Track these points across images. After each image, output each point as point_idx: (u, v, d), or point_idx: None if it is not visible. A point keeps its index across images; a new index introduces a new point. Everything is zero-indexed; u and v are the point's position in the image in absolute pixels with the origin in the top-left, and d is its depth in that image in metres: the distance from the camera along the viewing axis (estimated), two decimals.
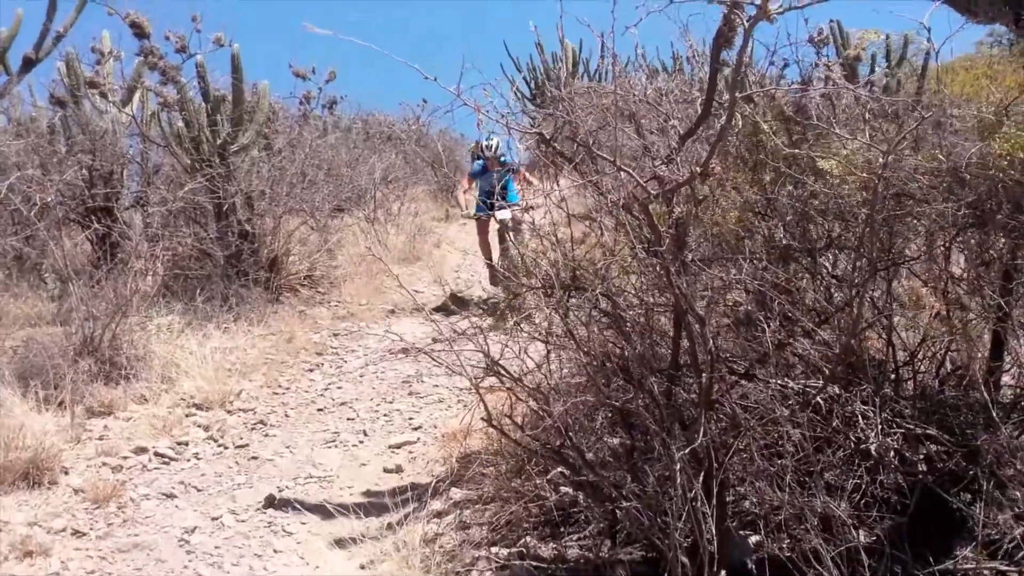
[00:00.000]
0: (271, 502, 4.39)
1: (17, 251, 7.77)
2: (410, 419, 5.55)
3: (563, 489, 3.28)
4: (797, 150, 3.13)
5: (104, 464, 4.80)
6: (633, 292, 3.14)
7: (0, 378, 5.25)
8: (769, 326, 2.81)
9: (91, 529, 4.12)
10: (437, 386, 6.08)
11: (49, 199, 7.31)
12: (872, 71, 11.49)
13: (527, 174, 8.21)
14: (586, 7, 3.16)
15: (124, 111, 8.70)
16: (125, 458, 4.90)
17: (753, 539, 2.90)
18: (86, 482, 4.52)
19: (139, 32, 7.90)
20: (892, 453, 2.92)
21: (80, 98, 8.70)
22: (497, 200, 7.59)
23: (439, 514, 3.67)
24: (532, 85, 17.94)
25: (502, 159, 8.21)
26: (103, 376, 5.75)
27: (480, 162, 8.55)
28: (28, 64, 10.59)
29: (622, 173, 2.68)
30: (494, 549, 3.13)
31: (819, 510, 2.63)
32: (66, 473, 4.65)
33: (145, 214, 7.98)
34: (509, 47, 17.91)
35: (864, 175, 2.91)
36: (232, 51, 8.42)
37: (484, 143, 8.32)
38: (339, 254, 9.46)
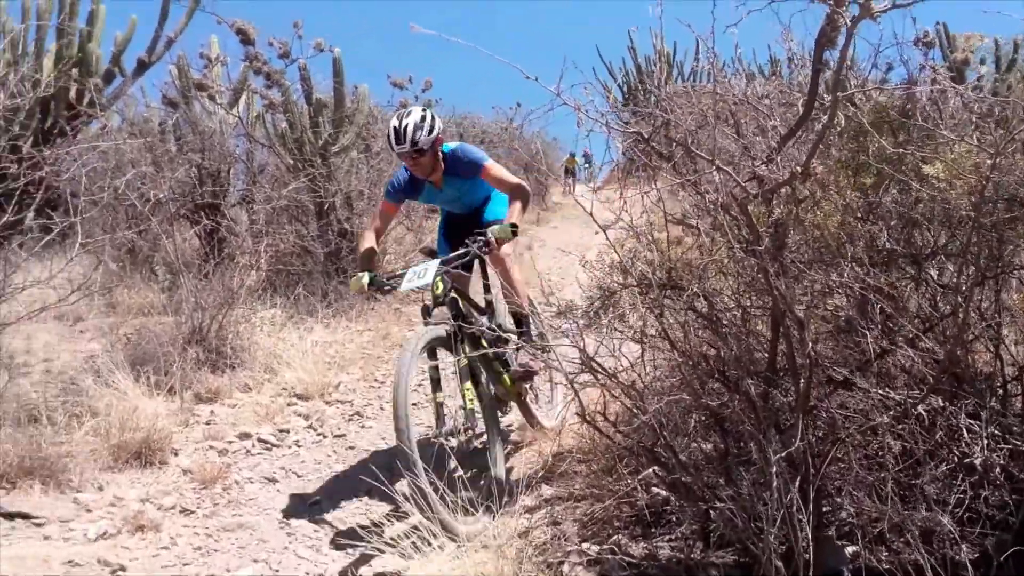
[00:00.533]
0: (368, 490, 4.53)
1: (131, 244, 8.21)
2: None
3: (655, 489, 3.29)
4: (903, 150, 3.06)
5: (211, 447, 5.03)
6: (729, 294, 3.13)
7: (115, 363, 5.52)
8: (871, 333, 2.77)
9: (198, 508, 4.31)
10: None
11: (162, 195, 7.72)
12: (980, 76, 11.05)
13: (492, 168, 4.63)
14: (684, 9, 3.17)
15: (231, 113, 9.11)
16: (230, 442, 5.12)
17: (850, 549, 2.85)
18: (194, 463, 4.73)
19: (245, 38, 8.29)
20: (998, 469, 2.82)
21: (190, 99, 9.15)
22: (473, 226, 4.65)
23: (530, 509, 3.72)
24: (624, 89, 17.92)
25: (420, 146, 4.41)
26: (210, 364, 6.04)
27: (403, 171, 4.79)
28: (141, 67, 11.24)
29: (721, 173, 2.69)
30: (585, 545, 3.17)
31: (920, 523, 2.58)
32: (176, 454, 4.88)
33: (250, 211, 8.32)
34: (583, 49, 17.98)
35: (972, 179, 2.83)
36: (334, 55, 8.73)
37: (394, 124, 4.46)
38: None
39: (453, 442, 3.94)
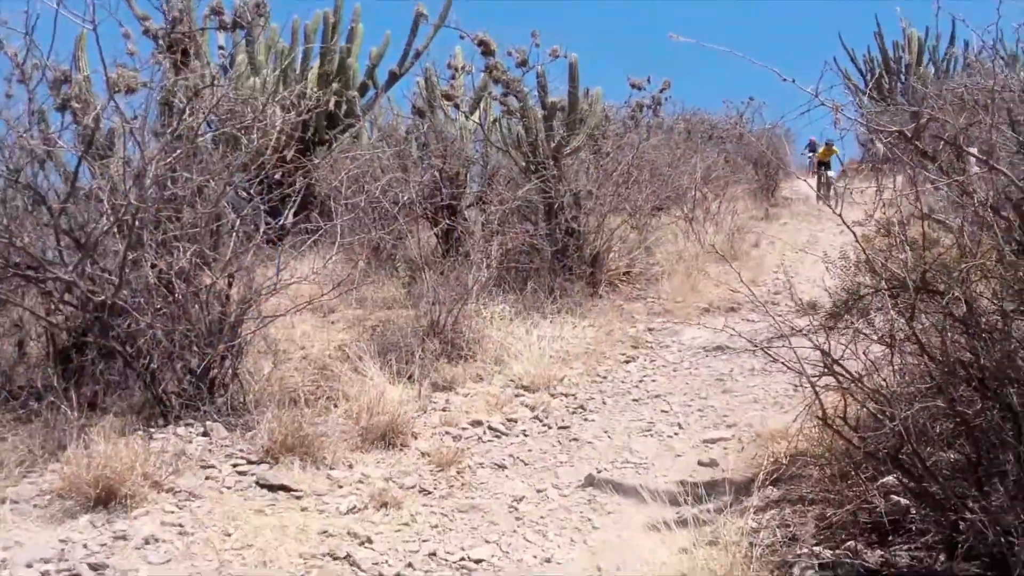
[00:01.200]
0: (591, 481, 4.63)
1: (376, 243, 8.87)
2: (724, 416, 5.57)
3: (894, 497, 3.11)
4: None
5: (447, 433, 5.33)
6: (990, 298, 2.90)
7: (365, 352, 5.99)
8: None
9: (435, 489, 4.57)
10: (751, 387, 6.01)
11: (407, 198, 8.30)
12: None
13: None
14: None
15: (471, 119, 9.58)
16: (464, 429, 5.40)
17: None
18: (431, 447, 5.03)
19: (485, 50, 8.71)
20: None
21: (435, 108, 9.74)
22: None
23: (758, 510, 3.64)
24: (868, 77, 16.78)
25: None
26: (445, 355, 6.41)
27: None
28: (392, 78, 12.12)
29: (996, 173, 2.50)
30: (817, 548, 3.06)
31: None
32: (415, 438, 5.20)
33: (485, 212, 8.72)
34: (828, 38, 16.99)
35: None
36: (569, 60, 8.95)
37: None
38: (657, 252, 9.64)
39: None
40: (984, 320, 2.85)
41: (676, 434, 5.34)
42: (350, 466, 4.73)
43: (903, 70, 17.51)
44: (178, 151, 5.23)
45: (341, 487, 4.48)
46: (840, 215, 2.93)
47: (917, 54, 17.53)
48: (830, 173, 16.38)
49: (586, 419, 5.66)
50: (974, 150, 2.63)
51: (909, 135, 2.68)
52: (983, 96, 2.83)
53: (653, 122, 12.61)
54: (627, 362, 6.85)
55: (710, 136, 15.13)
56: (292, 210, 5.79)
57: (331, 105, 10.90)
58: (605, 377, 6.47)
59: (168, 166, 5.21)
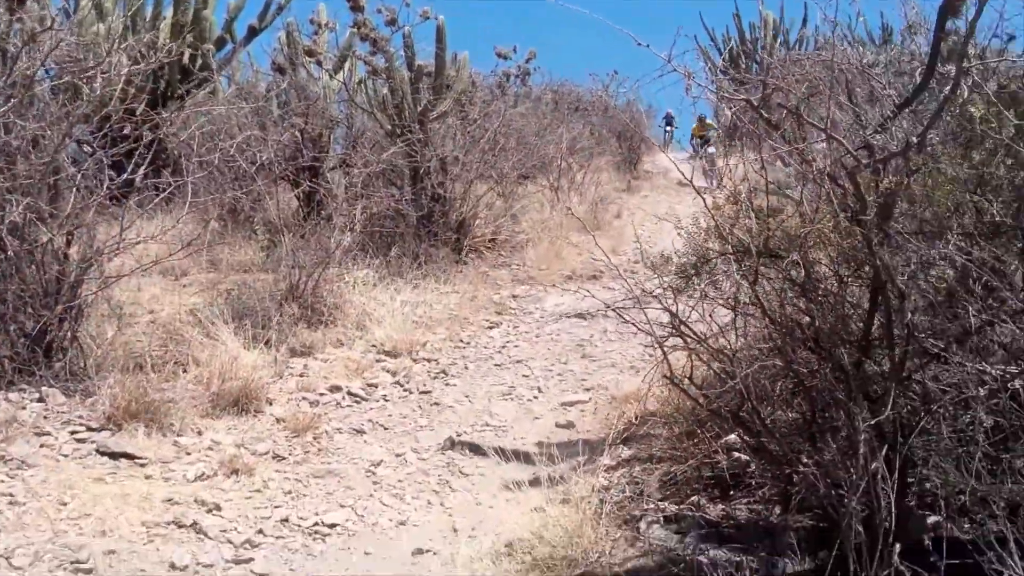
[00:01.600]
0: (450, 444, 4.64)
1: (232, 204, 8.51)
2: (583, 380, 5.69)
3: (736, 453, 3.28)
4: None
5: (303, 399, 5.21)
6: (827, 263, 3.07)
7: (219, 316, 5.77)
8: (972, 306, 2.67)
9: (290, 455, 4.47)
10: (609, 351, 6.18)
11: (266, 158, 7.98)
12: None
13: None
14: None
15: (335, 78, 9.30)
16: (321, 395, 5.29)
17: (932, 519, 2.80)
18: (287, 413, 4.91)
19: (354, 5, 8.43)
20: None
21: (297, 66, 9.39)
22: None
23: (609, 469, 3.76)
24: (725, 56, 17.45)
25: None
26: (305, 320, 6.25)
27: None
28: (252, 33, 11.60)
29: (833, 142, 2.63)
30: (663, 504, 3.19)
31: (1007, 495, 2.50)
32: (270, 404, 5.07)
33: (348, 175, 8.52)
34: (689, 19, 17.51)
35: None
36: (437, 23, 8.81)
37: None
38: (522, 220, 9.71)
39: None
40: (821, 286, 3.02)
41: (536, 398, 5.42)
42: (199, 433, 4.56)
43: (758, 50, 18.32)
44: (12, 100, 4.81)
45: (189, 454, 4.32)
46: (691, 181, 3.02)
47: (772, 35, 18.36)
48: (711, 149, 15.80)
49: (448, 384, 5.66)
50: (814, 120, 2.76)
51: (755, 104, 2.78)
52: (823, 68, 2.97)
53: (521, 91, 12.65)
54: (490, 328, 6.88)
55: (576, 108, 15.33)
56: (141, 166, 5.44)
57: (185, 58, 10.32)
58: (468, 343, 6.48)
59: (1, 115, 4.79)
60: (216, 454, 4.32)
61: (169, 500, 3.80)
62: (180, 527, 3.61)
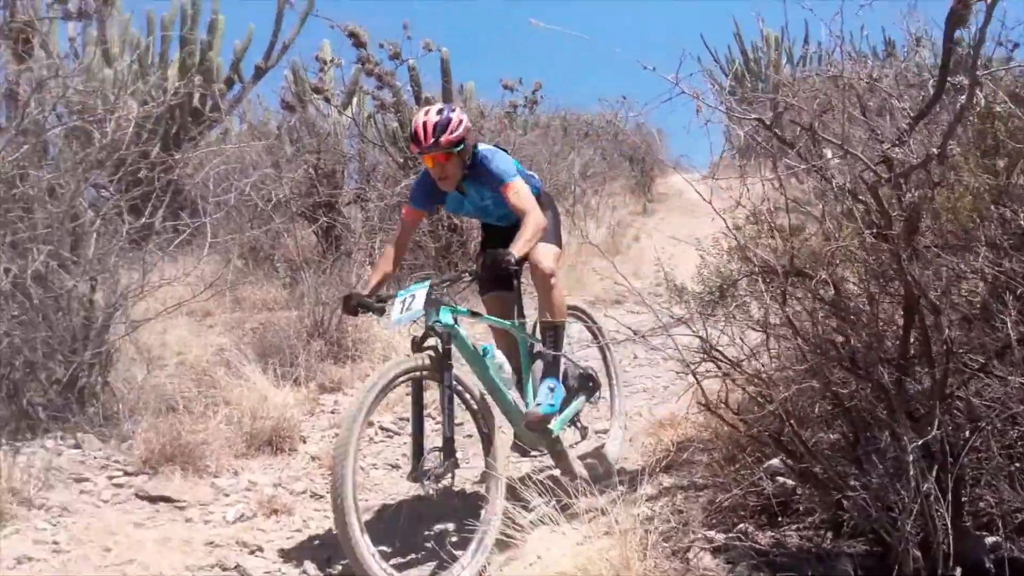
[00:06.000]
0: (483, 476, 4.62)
1: (253, 243, 8.60)
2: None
3: (780, 478, 3.26)
4: None
5: (336, 435, 5.21)
6: (855, 281, 3.07)
7: (244, 356, 5.79)
8: (1009, 318, 2.67)
9: (327, 492, 4.45)
10: (640, 377, 6.14)
11: (282, 195, 8.07)
12: None
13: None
14: None
15: (344, 114, 9.41)
16: None
17: (990, 539, 2.77)
18: (321, 450, 4.92)
19: (356, 42, 8.55)
20: None
21: (306, 103, 9.51)
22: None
23: (651, 498, 3.74)
24: (730, 77, 17.56)
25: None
26: (331, 356, 6.28)
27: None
28: (259, 72, 11.75)
29: (851, 157, 2.64)
30: (710, 533, 3.17)
31: None
32: (304, 442, 5.10)
33: (364, 209, 8.59)
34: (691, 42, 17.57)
35: None
36: (441, 55, 8.91)
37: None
38: None
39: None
40: (852, 303, 3.02)
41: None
42: (235, 473, 4.60)
43: (762, 69, 18.38)
44: (24, 146, 4.89)
45: (227, 495, 4.35)
46: (711, 203, 3.03)
47: (776, 53, 18.43)
48: None
49: None
50: (830, 136, 2.77)
51: (768, 123, 2.79)
52: (833, 84, 2.99)
53: (530, 119, 12.73)
54: None
55: (586, 133, 15.39)
56: (158, 208, 5.51)
57: (195, 99, 10.46)
58: None
59: (15, 163, 4.87)
60: (254, 495, 4.34)
61: (210, 543, 3.82)
62: (224, 570, 3.62)
